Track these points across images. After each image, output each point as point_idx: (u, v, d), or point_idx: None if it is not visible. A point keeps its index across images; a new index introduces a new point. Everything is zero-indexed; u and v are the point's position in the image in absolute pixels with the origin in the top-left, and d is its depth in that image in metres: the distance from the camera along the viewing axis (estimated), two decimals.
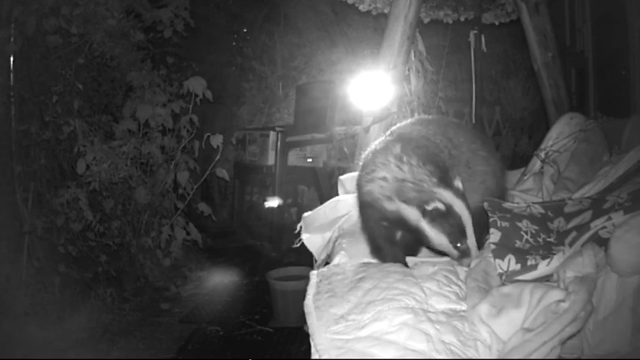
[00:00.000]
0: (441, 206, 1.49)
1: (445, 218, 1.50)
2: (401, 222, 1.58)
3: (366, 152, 1.73)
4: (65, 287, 3.72)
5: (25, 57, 3.80)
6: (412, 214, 1.53)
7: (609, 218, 1.39)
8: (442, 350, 1.14)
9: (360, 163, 1.74)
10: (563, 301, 1.15)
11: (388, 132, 1.79)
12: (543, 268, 1.42)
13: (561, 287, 1.24)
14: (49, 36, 3.85)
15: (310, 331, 1.30)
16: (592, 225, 1.41)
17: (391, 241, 1.71)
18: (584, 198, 1.71)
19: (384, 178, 1.58)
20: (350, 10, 3.82)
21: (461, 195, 1.54)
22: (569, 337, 1.12)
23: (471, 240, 1.52)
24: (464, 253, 1.54)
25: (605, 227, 1.38)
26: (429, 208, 1.50)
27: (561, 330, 1.10)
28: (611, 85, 3.50)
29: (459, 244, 1.52)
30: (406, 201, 1.54)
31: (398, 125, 1.84)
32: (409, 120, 1.89)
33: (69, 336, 3.37)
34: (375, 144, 1.73)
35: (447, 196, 1.50)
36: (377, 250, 1.73)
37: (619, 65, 3.24)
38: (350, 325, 1.27)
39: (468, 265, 1.54)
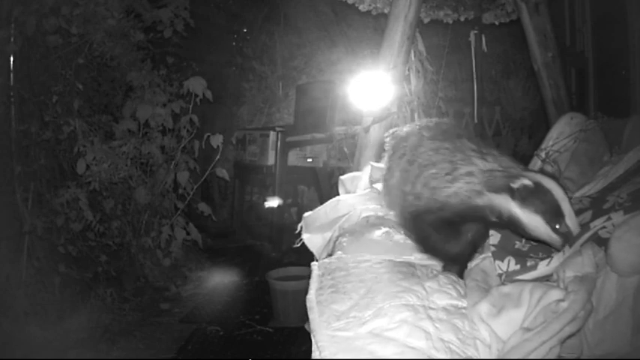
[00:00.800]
0: (528, 182, 1.38)
1: (535, 195, 1.37)
2: (489, 218, 1.47)
3: (422, 157, 1.59)
4: (65, 287, 3.72)
5: (25, 57, 3.80)
6: (502, 201, 1.41)
7: (609, 218, 1.39)
8: (441, 348, 1.14)
9: (414, 169, 1.59)
10: (562, 300, 1.16)
11: (416, 135, 1.68)
12: (543, 268, 1.42)
13: (561, 287, 1.25)
14: (49, 36, 3.85)
15: (312, 327, 1.30)
16: (592, 225, 1.41)
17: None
18: (584, 197, 1.71)
19: (470, 173, 1.47)
20: (350, 10, 3.82)
21: (549, 174, 1.45)
22: (569, 337, 1.12)
23: (571, 219, 1.36)
24: (566, 238, 1.37)
25: (605, 227, 1.38)
26: (516, 186, 1.39)
27: (560, 329, 1.10)
28: (611, 85, 3.51)
29: (557, 226, 1.36)
30: (496, 190, 1.42)
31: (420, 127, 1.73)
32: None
33: (69, 336, 3.37)
34: (426, 148, 1.60)
35: (534, 175, 1.41)
36: (451, 262, 1.59)
37: (619, 65, 3.24)
38: (351, 322, 1.27)
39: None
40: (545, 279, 1.42)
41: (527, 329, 1.14)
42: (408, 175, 1.62)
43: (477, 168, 1.47)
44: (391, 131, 1.91)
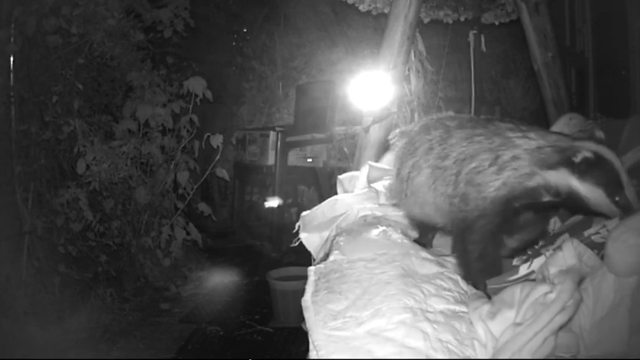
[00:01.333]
0: (589, 155, 1.31)
1: (597, 168, 1.31)
2: (542, 198, 1.40)
3: (456, 150, 1.49)
4: (65, 287, 3.72)
5: (25, 57, 3.81)
6: (560, 177, 1.35)
7: (604, 226, 1.39)
8: (439, 348, 1.15)
9: (450, 166, 1.50)
10: (550, 292, 1.16)
11: (442, 128, 1.58)
12: (524, 271, 1.43)
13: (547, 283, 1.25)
14: (49, 36, 3.86)
15: (308, 326, 1.30)
16: (585, 233, 1.41)
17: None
18: None
19: (515, 157, 1.39)
20: (350, 10, 3.82)
21: (601, 141, 1.37)
22: (560, 327, 1.12)
23: (629, 189, 1.31)
24: (625, 209, 1.32)
25: (598, 233, 1.38)
26: (577, 159, 1.32)
27: (551, 319, 1.10)
28: (611, 85, 3.50)
29: (617, 198, 1.31)
30: (551, 166, 1.35)
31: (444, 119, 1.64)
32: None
33: (69, 336, 3.38)
34: (457, 139, 1.50)
35: (591, 145, 1.34)
36: (489, 266, 1.48)
37: (619, 65, 3.23)
38: (348, 322, 1.27)
39: None
40: (532, 279, 1.43)
41: (519, 324, 1.14)
42: (444, 174, 1.52)
43: (522, 149, 1.40)
44: (397, 131, 1.83)
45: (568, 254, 1.28)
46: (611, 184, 1.32)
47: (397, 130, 1.85)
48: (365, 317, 1.27)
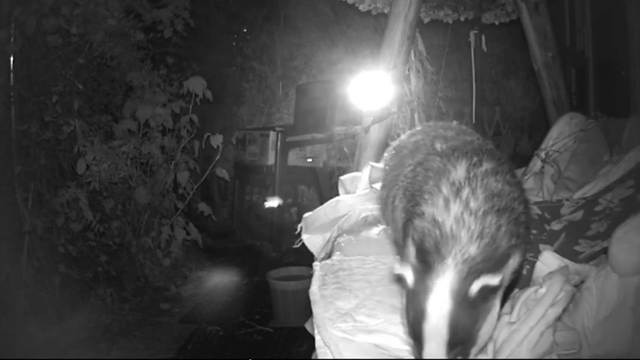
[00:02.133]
0: (404, 273, 0.95)
1: (414, 290, 0.94)
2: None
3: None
4: (65, 287, 3.72)
5: (25, 57, 3.80)
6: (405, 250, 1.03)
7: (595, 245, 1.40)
8: None
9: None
10: (540, 287, 1.18)
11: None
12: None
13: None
14: (49, 36, 3.85)
15: (316, 323, 1.29)
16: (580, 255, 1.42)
17: None
18: (580, 199, 1.72)
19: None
20: (350, 10, 3.82)
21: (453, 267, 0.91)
22: (556, 320, 1.13)
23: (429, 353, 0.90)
24: (417, 352, 0.96)
25: (593, 248, 1.39)
26: (412, 238, 0.99)
27: (544, 313, 1.11)
28: (611, 85, 3.50)
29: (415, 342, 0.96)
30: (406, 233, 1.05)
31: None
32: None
33: (69, 336, 3.37)
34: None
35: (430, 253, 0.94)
36: None
37: (619, 65, 3.24)
38: (358, 327, 1.27)
39: None
40: None
41: (513, 322, 1.16)
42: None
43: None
44: (417, 129, 1.55)
45: (547, 261, 1.29)
46: (412, 324, 0.94)
47: (417, 129, 1.54)
48: (374, 325, 1.26)
